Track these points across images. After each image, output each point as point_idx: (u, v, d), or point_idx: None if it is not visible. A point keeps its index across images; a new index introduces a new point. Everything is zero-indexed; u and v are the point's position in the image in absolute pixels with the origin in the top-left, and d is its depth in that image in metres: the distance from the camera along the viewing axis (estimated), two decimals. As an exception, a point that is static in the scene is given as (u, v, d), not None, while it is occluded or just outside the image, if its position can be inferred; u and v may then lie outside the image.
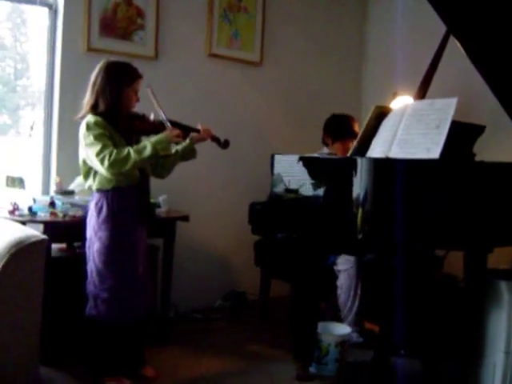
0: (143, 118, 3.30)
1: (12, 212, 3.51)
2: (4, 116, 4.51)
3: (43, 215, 3.53)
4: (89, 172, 3.17)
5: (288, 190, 3.24)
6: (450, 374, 3.32)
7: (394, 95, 4.66)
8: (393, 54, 5.19)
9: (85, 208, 3.51)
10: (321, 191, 2.96)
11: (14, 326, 2.63)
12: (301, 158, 3.15)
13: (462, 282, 3.36)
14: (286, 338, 3.95)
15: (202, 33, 4.82)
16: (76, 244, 3.84)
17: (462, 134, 3.05)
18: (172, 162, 3.42)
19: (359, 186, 2.72)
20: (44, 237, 2.74)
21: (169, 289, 4.06)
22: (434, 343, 3.50)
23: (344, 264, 4.00)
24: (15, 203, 3.55)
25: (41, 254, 2.70)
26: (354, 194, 2.74)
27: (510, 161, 2.89)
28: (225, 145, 3.43)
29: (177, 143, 3.30)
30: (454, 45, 3.44)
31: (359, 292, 3.95)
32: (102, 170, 3.01)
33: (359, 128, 4.20)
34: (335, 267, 4.05)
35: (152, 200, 3.60)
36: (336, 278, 4.04)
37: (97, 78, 3.14)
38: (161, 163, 3.41)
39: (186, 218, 4.04)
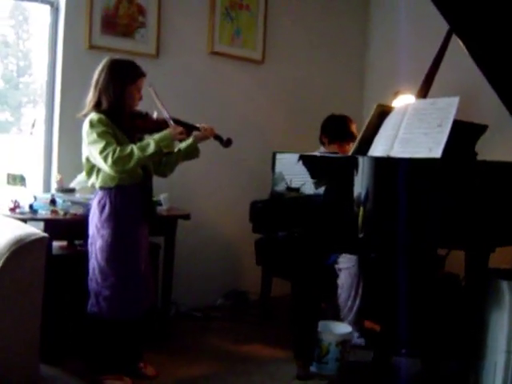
0: (146, 116, 3.30)
1: (13, 209, 3.50)
2: (6, 113, 4.51)
3: (44, 213, 3.53)
4: (92, 170, 3.16)
5: (289, 189, 3.23)
6: (451, 373, 3.32)
7: (396, 94, 4.65)
8: (395, 52, 5.19)
9: (86, 206, 3.51)
10: (322, 190, 2.96)
11: (15, 324, 2.64)
12: (302, 157, 3.14)
13: (463, 281, 3.36)
14: (286, 337, 3.94)
15: (204, 31, 4.81)
16: (77, 242, 3.84)
17: (463, 133, 3.05)
18: (175, 161, 3.42)
19: (361, 184, 2.72)
20: (45, 235, 2.76)
21: (170, 287, 4.06)
22: (435, 343, 3.49)
23: (345, 263, 3.99)
24: (16, 201, 3.55)
25: (41, 251, 2.71)
26: (356, 193, 2.74)
27: (512, 160, 2.89)
28: (227, 143, 3.42)
29: (180, 141, 3.29)
30: (456, 44, 3.43)
31: (360, 291, 3.94)
32: (105, 167, 3.01)
33: (358, 128, 4.19)
34: (336, 266, 4.05)
35: (153, 198, 3.60)
36: (337, 276, 4.04)
37: (100, 75, 3.13)
38: (163, 162, 3.41)
39: (187, 217, 4.04)
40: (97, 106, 3.12)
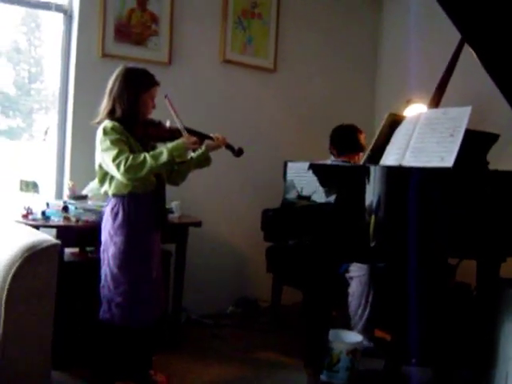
0: (159, 125, 3.31)
1: (25, 216, 3.52)
2: (18, 119, 4.53)
3: (56, 220, 3.55)
4: (105, 177, 3.17)
5: (301, 197, 3.23)
6: (462, 383, 3.30)
7: (408, 102, 4.65)
8: (407, 61, 5.18)
9: (98, 213, 3.52)
10: (333, 198, 2.95)
11: (27, 330, 2.64)
12: (313, 166, 3.14)
13: (474, 290, 3.35)
14: (297, 345, 3.95)
15: (216, 39, 4.83)
16: (88, 249, 3.85)
17: (475, 143, 3.04)
18: (187, 169, 3.43)
19: (372, 193, 2.72)
20: (57, 241, 2.76)
21: (180, 294, 4.07)
22: (446, 352, 3.48)
23: (356, 271, 3.99)
24: (29, 207, 3.57)
25: (53, 258, 2.72)
26: (367, 202, 2.73)
27: (524, 170, 2.87)
28: (239, 153, 3.43)
29: (193, 150, 3.30)
30: (468, 53, 3.43)
31: (370, 300, 3.93)
32: (117, 174, 3.01)
33: (369, 137, 4.19)
34: (347, 274, 4.04)
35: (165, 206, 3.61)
36: (348, 285, 4.03)
37: (114, 83, 3.15)
38: (175, 170, 3.41)
39: (198, 224, 4.05)
40: (111, 114, 3.13)
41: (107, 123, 3.07)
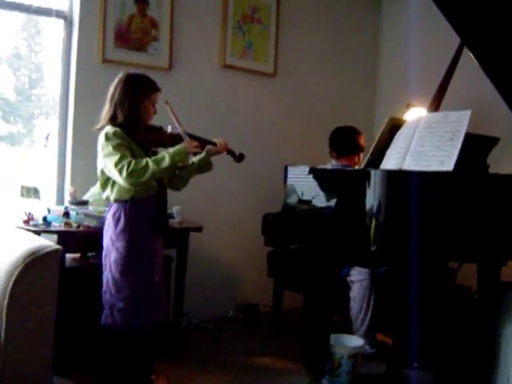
0: (160, 130, 3.32)
1: (26, 222, 3.52)
2: (18, 125, 4.54)
3: (57, 225, 3.54)
4: (107, 182, 3.17)
5: (301, 202, 3.24)
6: (464, 387, 3.31)
7: (408, 106, 4.66)
8: (407, 65, 5.19)
9: (99, 218, 3.52)
10: (334, 203, 2.96)
11: (28, 335, 2.65)
12: (314, 170, 3.15)
13: (475, 294, 3.35)
14: (298, 349, 3.94)
15: (216, 44, 4.84)
16: (90, 254, 3.85)
17: (475, 146, 3.05)
18: (188, 175, 3.43)
19: (373, 197, 2.73)
20: (58, 247, 2.77)
21: (181, 299, 4.07)
22: (448, 356, 3.48)
23: (358, 275, 3.99)
24: (30, 213, 3.57)
25: (55, 263, 2.72)
26: (368, 206, 2.74)
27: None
28: (240, 158, 3.43)
29: (194, 155, 3.31)
30: (467, 56, 3.44)
31: (372, 304, 3.94)
32: (120, 179, 3.01)
33: (368, 140, 4.21)
34: (348, 278, 4.04)
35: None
36: (349, 289, 4.03)
37: (115, 89, 3.15)
38: (177, 175, 3.42)
39: (199, 229, 4.05)
40: (112, 120, 3.13)
41: (109, 129, 3.08)
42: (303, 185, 3.21)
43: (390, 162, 3.03)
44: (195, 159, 3.37)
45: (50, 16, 4.26)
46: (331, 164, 4.36)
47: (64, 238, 3.44)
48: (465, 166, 2.73)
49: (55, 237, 3.42)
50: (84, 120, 3.98)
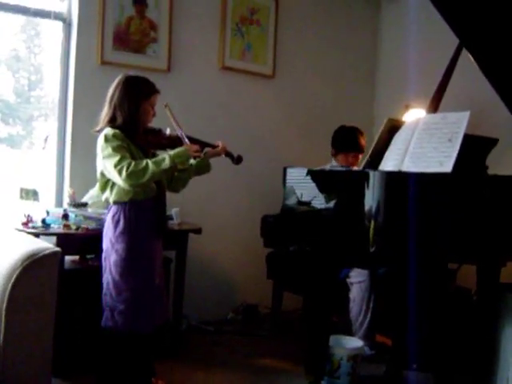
0: (159, 133, 3.33)
1: (25, 224, 3.52)
2: (17, 127, 4.54)
3: (56, 227, 3.55)
4: (106, 184, 3.17)
5: (300, 203, 3.24)
6: (463, 388, 3.30)
7: (407, 108, 4.66)
8: (405, 66, 5.19)
9: (98, 220, 3.52)
10: (333, 204, 2.96)
11: (27, 338, 2.64)
12: (313, 172, 3.15)
13: (475, 295, 3.35)
14: (298, 351, 3.94)
15: (215, 46, 4.85)
16: (89, 256, 3.85)
17: (474, 147, 3.05)
18: (187, 176, 3.43)
19: (372, 199, 2.73)
20: (57, 249, 2.76)
21: (181, 301, 4.07)
22: (447, 357, 3.47)
23: (357, 276, 3.99)
24: (29, 215, 3.56)
25: (54, 266, 2.72)
26: (367, 207, 2.74)
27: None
28: (238, 161, 3.44)
29: (194, 158, 3.31)
30: (466, 57, 3.43)
31: (371, 305, 3.93)
32: (119, 181, 3.01)
33: (367, 141, 4.22)
34: (348, 279, 4.04)
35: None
36: (348, 290, 4.03)
37: (115, 91, 3.16)
38: (176, 177, 3.42)
39: (198, 231, 4.04)
40: (111, 122, 3.13)
41: (108, 131, 3.08)
42: (302, 186, 3.21)
43: (388, 164, 3.03)
44: (194, 161, 3.37)
45: (48, 18, 4.27)
46: (330, 165, 4.36)
47: (63, 240, 3.43)
48: (464, 167, 2.73)
49: (54, 239, 3.42)
50: (83, 122, 3.99)
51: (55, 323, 2.75)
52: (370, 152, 3.23)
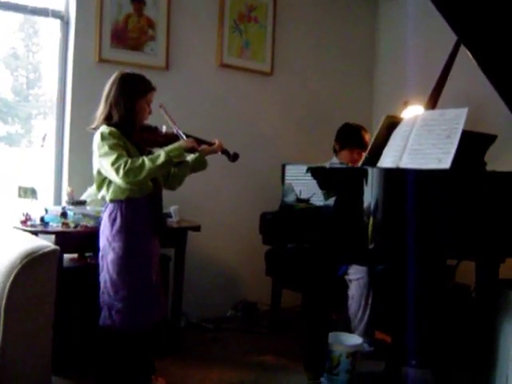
0: (155, 130, 3.33)
1: (24, 222, 3.52)
2: (16, 125, 4.53)
3: (55, 225, 3.55)
4: (103, 182, 3.16)
5: (299, 200, 3.24)
6: (462, 384, 3.31)
7: (405, 104, 4.66)
8: (404, 63, 5.19)
9: (96, 218, 3.52)
10: (332, 201, 2.96)
11: (26, 336, 2.65)
12: (311, 168, 3.15)
13: (474, 291, 3.35)
14: (297, 348, 3.94)
15: (213, 43, 4.84)
16: (87, 254, 3.85)
17: (472, 144, 3.04)
18: (183, 174, 3.43)
19: (370, 195, 2.72)
20: (56, 247, 2.76)
21: (180, 298, 4.07)
22: (446, 354, 3.48)
23: (355, 273, 3.99)
24: (27, 213, 3.57)
25: (52, 264, 2.72)
26: (365, 204, 2.74)
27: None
28: (234, 158, 3.43)
29: (191, 152, 3.30)
30: (464, 54, 3.44)
31: (370, 302, 3.94)
32: (116, 179, 3.01)
33: (370, 138, 4.21)
34: (346, 276, 4.05)
35: (164, 210, 3.60)
36: (347, 287, 4.03)
37: (111, 89, 3.15)
38: (172, 174, 3.42)
39: (197, 228, 4.04)
40: (107, 119, 3.13)
41: (104, 128, 3.07)
42: (301, 183, 3.22)
43: (387, 160, 3.03)
44: (190, 158, 3.37)
45: (46, 16, 4.26)
46: (330, 163, 4.36)
47: (62, 238, 3.43)
48: (462, 164, 2.73)
49: (53, 237, 3.42)
50: (81, 120, 3.97)
51: (54, 321, 2.76)
52: (368, 149, 3.23)
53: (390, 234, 2.71)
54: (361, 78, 5.74)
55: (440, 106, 3.72)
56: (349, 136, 4.37)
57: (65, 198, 4.01)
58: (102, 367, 3.30)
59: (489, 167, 3.24)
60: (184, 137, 3.25)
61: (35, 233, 3.38)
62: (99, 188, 3.20)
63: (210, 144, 3.38)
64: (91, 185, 3.68)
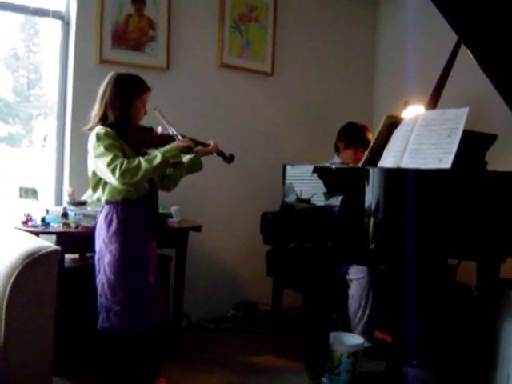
0: (151, 131, 3.32)
1: (25, 223, 3.53)
2: (17, 126, 4.54)
3: (56, 226, 3.55)
4: (98, 184, 3.13)
5: (300, 200, 3.24)
6: (463, 384, 3.31)
7: (406, 104, 4.66)
8: (404, 62, 5.19)
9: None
10: (333, 201, 2.96)
11: (28, 336, 2.65)
12: (312, 168, 3.14)
13: (474, 291, 3.35)
14: (298, 348, 3.95)
15: (213, 43, 4.84)
16: (89, 254, 3.84)
17: (473, 144, 3.04)
18: (179, 175, 3.41)
19: (371, 195, 2.72)
20: (57, 247, 2.77)
21: (181, 298, 4.07)
22: (447, 353, 3.48)
23: (356, 273, 3.99)
24: (28, 214, 3.57)
25: (54, 264, 2.73)
26: (366, 204, 2.74)
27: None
28: (229, 159, 3.43)
29: (187, 152, 3.29)
30: (465, 54, 3.44)
31: (370, 302, 3.94)
32: (112, 180, 2.99)
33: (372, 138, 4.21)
34: (347, 276, 4.05)
35: (164, 210, 3.60)
36: (348, 287, 4.03)
37: (106, 89, 3.14)
38: (167, 175, 3.41)
39: (198, 229, 4.04)
40: (103, 120, 3.11)
41: (100, 129, 3.05)
42: (301, 183, 3.21)
43: (387, 160, 3.03)
44: (186, 159, 3.37)
45: (47, 17, 4.27)
46: (330, 162, 4.35)
47: (63, 238, 3.44)
48: (463, 164, 2.73)
49: (54, 237, 3.42)
50: (82, 120, 3.93)
51: (55, 321, 2.76)
52: (369, 149, 3.23)
53: (391, 233, 2.71)
54: (361, 78, 5.73)
55: (441, 106, 3.72)
56: (354, 135, 4.36)
57: (66, 198, 4.01)
58: (103, 370, 3.28)
59: (489, 167, 3.24)
60: (180, 137, 3.24)
61: (36, 233, 3.38)
62: (94, 189, 3.17)
63: (206, 145, 3.38)
64: (92, 185, 3.69)
